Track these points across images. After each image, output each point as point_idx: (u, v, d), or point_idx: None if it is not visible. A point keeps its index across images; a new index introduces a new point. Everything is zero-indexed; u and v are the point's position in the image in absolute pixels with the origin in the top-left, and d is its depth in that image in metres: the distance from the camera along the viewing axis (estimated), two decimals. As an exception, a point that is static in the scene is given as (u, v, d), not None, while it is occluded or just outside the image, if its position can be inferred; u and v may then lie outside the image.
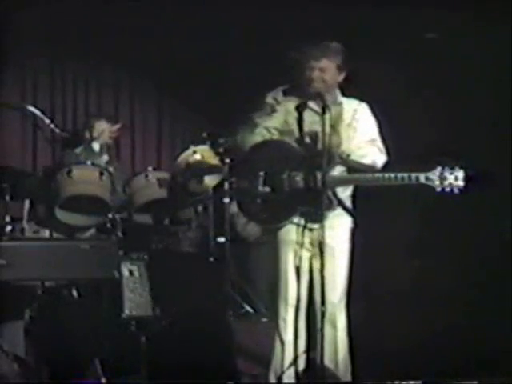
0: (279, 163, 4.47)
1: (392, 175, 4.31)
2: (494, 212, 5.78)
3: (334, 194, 4.47)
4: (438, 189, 4.24)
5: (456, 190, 4.24)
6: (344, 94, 4.57)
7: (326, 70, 4.44)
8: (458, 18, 5.87)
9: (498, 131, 5.75)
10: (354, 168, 4.49)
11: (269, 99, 4.60)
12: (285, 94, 4.60)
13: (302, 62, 4.45)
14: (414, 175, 4.28)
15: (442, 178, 4.24)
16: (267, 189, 4.47)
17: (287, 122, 4.53)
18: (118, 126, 6.26)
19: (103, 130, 6.16)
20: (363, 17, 6.02)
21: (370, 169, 4.46)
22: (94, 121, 6.24)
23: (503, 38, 5.77)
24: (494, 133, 5.76)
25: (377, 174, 4.36)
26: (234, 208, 5.97)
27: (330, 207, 4.45)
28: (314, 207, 4.31)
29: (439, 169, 4.26)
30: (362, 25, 6.02)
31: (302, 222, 4.47)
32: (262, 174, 4.48)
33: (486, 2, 5.67)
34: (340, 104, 4.49)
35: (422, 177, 4.28)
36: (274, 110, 4.58)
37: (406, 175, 4.29)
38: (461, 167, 4.25)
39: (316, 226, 4.40)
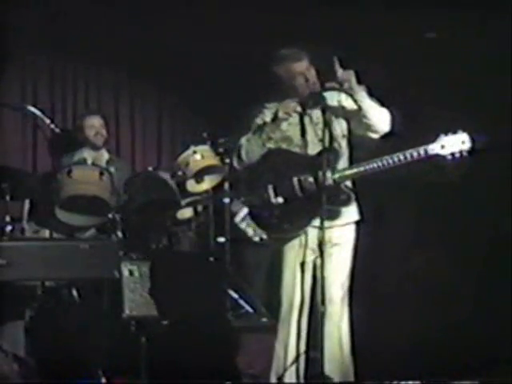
0: (284, 171, 4.47)
1: (400, 155, 4.30)
2: (497, 209, 5.77)
3: (348, 187, 4.46)
4: (449, 157, 4.26)
5: (465, 153, 4.24)
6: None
7: (310, 68, 4.47)
8: (458, 18, 5.87)
9: (499, 132, 5.75)
10: (365, 127, 4.44)
11: (263, 109, 4.62)
12: (266, 108, 4.61)
13: (290, 71, 4.45)
14: (421, 149, 4.29)
15: (449, 145, 4.25)
16: (280, 199, 4.45)
17: (281, 128, 4.53)
18: (100, 120, 6.23)
19: (95, 125, 6.17)
20: (363, 17, 6.02)
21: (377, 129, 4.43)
22: (83, 119, 6.24)
23: (503, 37, 5.77)
24: (495, 133, 5.75)
25: (385, 158, 4.34)
26: (235, 207, 5.97)
27: (349, 202, 4.44)
28: (333, 205, 4.30)
29: (443, 136, 4.27)
30: (362, 25, 6.02)
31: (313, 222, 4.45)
32: (270, 186, 4.47)
33: (485, 2, 5.67)
34: (324, 99, 4.47)
35: (429, 148, 4.28)
36: (257, 122, 4.58)
37: (414, 151, 4.29)
38: (463, 131, 4.26)
39: (328, 224, 4.36)
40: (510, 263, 5.49)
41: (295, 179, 4.45)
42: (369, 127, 4.43)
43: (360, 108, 4.38)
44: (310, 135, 4.51)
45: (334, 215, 4.37)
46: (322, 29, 5.84)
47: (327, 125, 4.36)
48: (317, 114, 4.47)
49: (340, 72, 4.34)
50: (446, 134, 4.27)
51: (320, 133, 4.42)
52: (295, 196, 4.44)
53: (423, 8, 5.81)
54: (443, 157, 4.27)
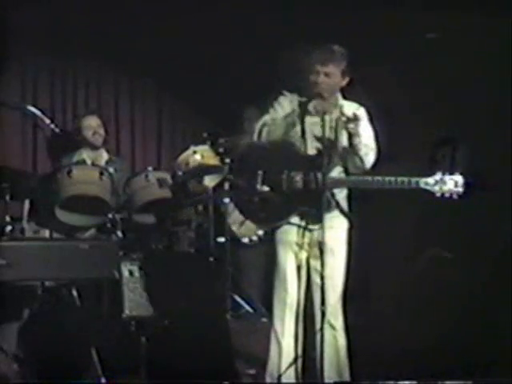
0: (278, 163, 4.48)
1: (392, 179, 4.33)
2: (494, 214, 5.78)
3: (333, 195, 4.48)
4: (438, 194, 4.29)
5: (455, 196, 4.28)
6: (344, 97, 4.58)
7: (332, 74, 4.46)
8: (458, 18, 5.87)
9: (499, 132, 5.76)
10: (352, 164, 4.50)
11: (271, 101, 4.62)
12: (285, 95, 4.61)
13: (308, 66, 4.46)
14: (413, 180, 4.31)
15: (442, 184, 4.27)
16: (266, 188, 4.47)
17: (286, 122, 4.54)
18: (97, 119, 6.23)
19: (93, 125, 6.17)
20: (363, 17, 6.02)
21: (362, 169, 4.48)
22: (80, 120, 6.25)
23: (503, 38, 5.77)
24: (496, 134, 5.76)
25: (376, 178, 4.38)
26: (230, 207, 5.98)
27: (329, 208, 4.46)
28: (313, 208, 4.32)
29: (439, 174, 4.28)
30: (362, 25, 6.02)
31: (300, 222, 4.48)
32: (260, 172, 4.48)
33: (485, 2, 5.67)
34: (341, 107, 4.50)
35: (421, 182, 4.31)
36: (276, 107, 4.59)
37: (405, 179, 4.32)
38: (460, 173, 4.28)
39: (314, 226, 4.40)
40: (508, 264, 5.49)
41: (285, 173, 4.47)
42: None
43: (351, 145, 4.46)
44: (316, 136, 4.50)
45: (319, 218, 4.36)
46: (321, 29, 5.84)
47: (335, 131, 4.39)
48: (330, 118, 4.46)
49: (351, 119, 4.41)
50: (443, 172, 4.29)
51: (326, 136, 4.41)
52: (280, 189, 4.46)
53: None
54: (432, 193, 4.29)
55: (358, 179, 4.46)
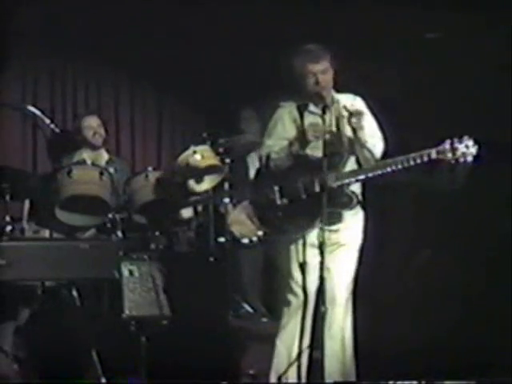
0: (290, 172, 4.47)
1: (403, 158, 4.28)
2: (495, 213, 5.78)
3: (352, 191, 4.46)
4: (452, 161, 4.20)
5: (470, 158, 4.18)
6: (337, 91, 4.58)
7: (327, 70, 4.47)
8: (458, 18, 5.88)
9: (499, 131, 5.76)
10: (362, 157, 4.48)
11: (270, 114, 4.63)
12: (283, 107, 4.61)
13: (302, 69, 4.45)
14: (425, 152, 4.24)
15: (454, 149, 4.19)
16: (285, 201, 4.47)
17: (290, 129, 4.53)
18: (98, 119, 6.23)
19: (93, 125, 6.17)
20: (363, 17, 6.02)
21: (373, 160, 4.47)
22: (81, 120, 6.25)
23: (503, 38, 5.78)
24: (495, 132, 5.76)
25: (388, 161, 4.34)
26: (230, 207, 5.99)
27: (351, 205, 4.44)
28: (337, 208, 4.30)
29: (448, 141, 4.22)
30: (362, 25, 6.02)
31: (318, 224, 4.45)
32: (277, 188, 4.47)
33: (486, 2, 5.68)
34: (337, 101, 4.50)
35: (433, 152, 4.24)
36: (277, 122, 4.60)
37: (416, 155, 4.25)
38: (469, 136, 4.22)
39: (330, 227, 4.36)
40: (509, 264, 5.49)
41: (300, 181, 4.46)
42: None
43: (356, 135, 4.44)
44: (319, 136, 4.48)
45: (337, 218, 4.36)
46: (320, 29, 5.84)
47: (337, 128, 4.38)
48: (329, 116, 4.46)
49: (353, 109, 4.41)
50: (451, 139, 4.23)
51: (328, 135, 4.40)
52: (299, 198, 4.45)
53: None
54: (447, 162, 4.22)
55: (371, 167, 4.41)
